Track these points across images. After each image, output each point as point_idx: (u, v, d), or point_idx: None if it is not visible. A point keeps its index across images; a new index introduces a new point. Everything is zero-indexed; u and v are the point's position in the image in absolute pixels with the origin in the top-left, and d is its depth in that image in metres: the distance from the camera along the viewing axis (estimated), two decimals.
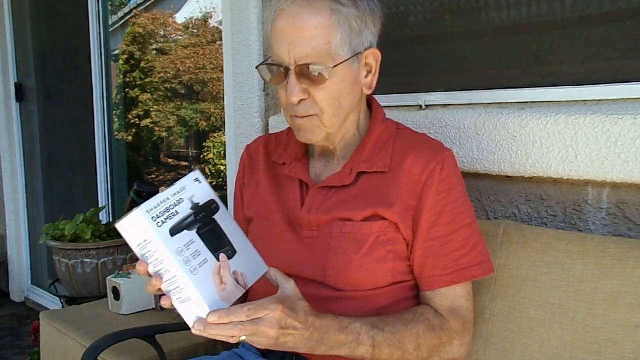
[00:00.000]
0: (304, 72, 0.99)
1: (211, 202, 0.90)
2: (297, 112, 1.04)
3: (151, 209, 0.81)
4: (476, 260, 1.05)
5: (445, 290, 1.04)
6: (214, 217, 0.89)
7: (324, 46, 0.98)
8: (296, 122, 1.06)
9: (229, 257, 0.88)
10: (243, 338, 0.84)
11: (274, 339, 0.85)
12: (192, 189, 0.88)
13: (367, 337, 0.94)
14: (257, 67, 1.07)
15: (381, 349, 0.95)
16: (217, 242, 0.88)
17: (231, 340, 0.84)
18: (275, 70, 1.03)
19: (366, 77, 1.07)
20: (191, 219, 0.85)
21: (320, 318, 0.91)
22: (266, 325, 0.84)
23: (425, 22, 1.55)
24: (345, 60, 1.00)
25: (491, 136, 1.32)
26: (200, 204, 0.88)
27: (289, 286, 0.91)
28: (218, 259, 0.86)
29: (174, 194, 0.85)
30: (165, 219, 0.82)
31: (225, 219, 0.91)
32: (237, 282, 0.88)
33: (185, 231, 0.83)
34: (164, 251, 0.80)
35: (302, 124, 1.05)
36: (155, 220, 0.80)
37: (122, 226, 0.81)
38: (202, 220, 0.87)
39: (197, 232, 0.85)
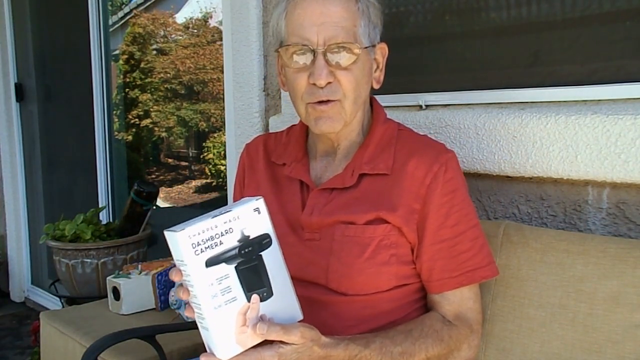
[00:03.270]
0: (333, 53, 1.00)
1: (264, 237, 0.85)
2: (321, 96, 1.02)
3: (195, 234, 0.78)
4: (484, 262, 1.04)
5: (453, 294, 1.04)
6: (261, 253, 0.84)
7: (352, 28, 1.01)
8: (318, 109, 1.04)
9: (263, 299, 0.84)
10: None
11: None
12: (248, 219, 0.83)
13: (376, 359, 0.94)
14: (276, 50, 1.07)
15: None
16: (254, 282, 0.83)
17: None
18: (299, 54, 1.03)
19: (374, 71, 1.10)
20: (234, 252, 0.81)
21: (332, 347, 0.89)
22: None
23: (425, 22, 1.55)
24: (367, 47, 1.04)
25: (491, 136, 1.32)
26: (252, 236, 0.83)
27: (295, 338, 0.85)
28: (249, 299, 0.82)
29: (225, 222, 0.80)
30: (206, 247, 0.79)
31: (273, 257, 0.85)
32: None
33: (223, 264, 0.80)
34: (194, 279, 0.79)
35: (325, 110, 1.03)
36: (194, 248, 0.78)
37: (167, 236, 0.80)
38: (246, 256, 0.82)
39: (236, 267, 0.82)
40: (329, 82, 1.01)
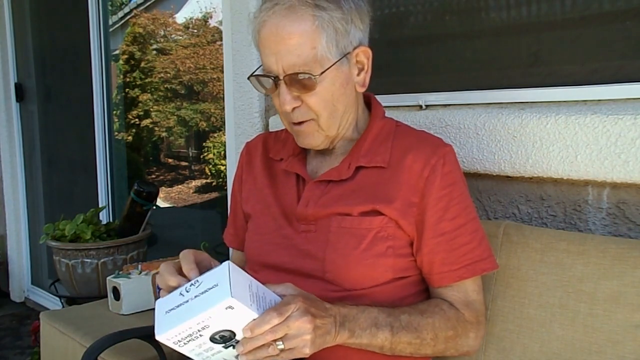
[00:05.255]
0: (293, 81, 0.99)
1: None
2: (293, 119, 1.05)
3: (173, 337, 0.82)
4: (485, 254, 1.05)
5: (457, 285, 1.05)
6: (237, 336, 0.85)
7: (310, 52, 0.98)
8: (294, 129, 1.08)
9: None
10: (281, 346, 0.83)
11: (312, 334, 0.84)
12: (220, 317, 0.81)
13: (385, 322, 0.94)
14: (248, 78, 1.07)
15: (399, 336, 0.95)
16: (228, 339, 0.85)
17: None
18: (266, 81, 1.04)
19: (358, 75, 1.07)
20: (212, 342, 0.85)
21: (337, 304, 0.92)
22: (299, 320, 0.83)
23: (425, 22, 1.55)
24: (334, 64, 1.00)
25: (491, 136, 1.32)
26: (229, 328, 0.83)
27: (291, 287, 0.90)
28: (227, 347, 0.86)
29: (198, 323, 0.81)
30: (187, 341, 0.83)
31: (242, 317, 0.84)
32: None
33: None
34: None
35: (301, 130, 1.06)
36: (176, 344, 0.84)
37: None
38: (224, 341, 0.85)
39: (211, 339, 0.85)
40: (296, 107, 1.02)
